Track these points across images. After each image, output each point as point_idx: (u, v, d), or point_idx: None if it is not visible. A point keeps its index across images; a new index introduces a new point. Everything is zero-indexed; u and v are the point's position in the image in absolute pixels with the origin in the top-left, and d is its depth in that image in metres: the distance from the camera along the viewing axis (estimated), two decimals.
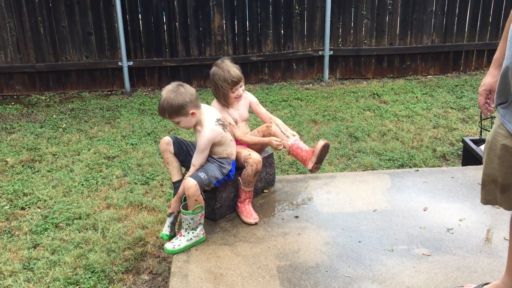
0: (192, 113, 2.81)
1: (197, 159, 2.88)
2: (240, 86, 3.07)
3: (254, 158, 3.04)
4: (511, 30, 1.95)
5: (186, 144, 3.04)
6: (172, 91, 2.79)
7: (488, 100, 2.27)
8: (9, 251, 3.26)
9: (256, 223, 3.05)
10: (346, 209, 3.21)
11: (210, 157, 2.96)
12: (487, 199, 2.18)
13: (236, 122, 3.18)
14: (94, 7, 6.64)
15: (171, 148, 2.96)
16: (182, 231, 2.87)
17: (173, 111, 2.77)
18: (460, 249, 2.75)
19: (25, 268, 3.07)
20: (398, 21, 7.12)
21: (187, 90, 2.81)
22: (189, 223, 2.84)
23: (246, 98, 3.27)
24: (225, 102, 3.11)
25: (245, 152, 3.07)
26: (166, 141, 2.96)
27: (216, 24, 6.90)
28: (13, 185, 4.18)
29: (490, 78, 2.23)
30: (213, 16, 6.87)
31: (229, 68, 3.03)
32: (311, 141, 4.96)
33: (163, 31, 6.87)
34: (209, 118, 2.90)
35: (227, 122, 3.05)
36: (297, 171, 4.39)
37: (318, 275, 2.57)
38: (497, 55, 2.21)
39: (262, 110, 3.33)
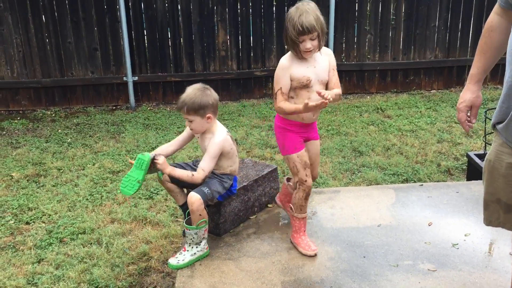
0: (208, 117, 2.81)
1: (207, 164, 2.81)
2: (311, 39, 2.57)
3: (309, 183, 2.81)
4: (509, 49, 1.95)
5: (180, 165, 3.03)
6: (199, 89, 2.81)
7: (469, 117, 2.28)
8: (13, 266, 3.26)
9: (315, 255, 2.83)
10: (350, 224, 3.20)
11: (211, 173, 2.96)
12: (489, 220, 2.14)
13: (308, 83, 2.68)
14: (100, 23, 6.72)
15: (167, 178, 2.96)
16: (186, 245, 2.86)
17: (193, 108, 2.78)
18: (466, 265, 2.73)
19: (29, 283, 3.07)
20: (402, 36, 7.17)
21: (212, 94, 2.84)
22: (193, 237, 2.83)
23: (327, 56, 2.76)
24: (294, 51, 2.63)
25: (302, 173, 2.79)
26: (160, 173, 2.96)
27: (221, 39, 6.96)
28: (18, 200, 4.19)
29: (469, 94, 2.24)
30: (217, 31, 6.93)
31: (304, 13, 2.53)
32: None
33: (167, 47, 6.93)
34: (221, 128, 2.92)
35: (304, 78, 2.66)
36: None
37: None
38: (474, 71, 2.21)
39: (334, 78, 2.78)
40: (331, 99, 2.54)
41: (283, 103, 2.67)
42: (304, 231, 2.91)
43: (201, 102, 2.77)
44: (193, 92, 2.80)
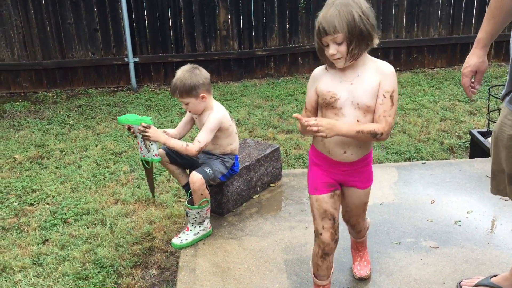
0: (203, 97, 2.79)
1: (203, 136, 2.77)
2: (335, 43, 1.91)
3: (325, 238, 2.15)
4: None
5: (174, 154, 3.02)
6: (187, 71, 2.78)
7: (473, 82, 2.21)
8: (18, 247, 3.28)
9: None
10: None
11: (212, 154, 2.96)
12: (497, 189, 2.18)
13: (333, 102, 2.01)
14: (100, 4, 6.65)
15: (166, 158, 2.96)
16: (189, 225, 2.88)
17: (185, 90, 2.76)
18: (468, 242, 2.74)
19: (35, 264, 3.10)
20: (405, 13, 7.08)
21: (202, 73, 2.80)
22: (196, 217, 2.85)
23: (381, 75, 2.00)
24: (322, 57, 2.03)
25: (318, 224, 2.15)
26: (161, 154, 2.92)
27: (222, 19, 6.89)
28: (21, 182, 4.21)
29: (475, 58, 2.16)
30: (218, 11, 6.86)
31: (329, 6, 1.91)
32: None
33: (168, 27, 6.87)
34: (219, 104, 2.91)
35: (328, 95, 2.02)
36: (303, 165, 4.38)
37: None
38: (481, 35, 2.13)
39: (382, 107, 1.97)
40: (316, 129, 1.88)
41: (300, 115, 2.04)
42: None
43: (192, 83, 2.74)
44: (182, 74, 2.77)
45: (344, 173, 2.15)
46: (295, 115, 1.93)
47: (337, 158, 2.11)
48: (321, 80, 2.07)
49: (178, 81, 2.76)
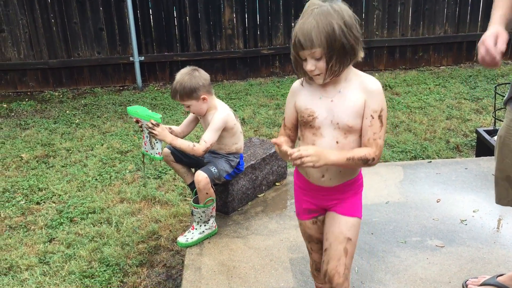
0: (203, 98, 2.80)
1: (209, 136, 2.77)
2: (313, 58, 1.69)
3: (315, 259, 2.16)
4: None
5: (180, 154, 3.03)
6: (186, 73, 2.79)
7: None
8: (25, 245, 3.30)
9: None
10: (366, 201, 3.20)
11: (217, 154, 2.96)
12: (499, 198, 2.13)
13: (311, 120, 1.81)
14: (105, 3, 6.67)
15: (171, 158, 2.96)
16: (194, 224, 2.89)
17: (185, 93, 2.76)
18: (474, 241, 2.73)
19: (41, 262, 3.12)
20: (410, 11, 7.05)
21: (201, 75, 2.80)
22: (201, 216, 2.85)
23: (365, 94, 1.77)
24: (299, 71, 1.81)
25: (307, 245, 2.14)
26: (166, 153, 2.94)
27: (227, 17, 6.89)
28: (28, 181, 4.23)
29: (495, 28, 1.84)
30: (223, 9, 6.86)
31: (307, 16, 1.70)
32: None
33: (173, 26, 6.88)
34: (223, 104, 2.91)
35: (306, 112, 1.83)
36: None
37: None
38: (495, 16, 1.87)
39: (371, 130, 1.76)
40: (300, 161, 1.66)
41: (279, 138, 1.85)
42: None
43: (191, 85, 2.75)
44: (181, 77, 2.77)
45: (324, 198, 1.93)
46: (273, 140, 1.76)
47: (315, 182, 1.91)
48: (300, 96, 1.86)
49: (178, 84, 2.76)
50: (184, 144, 2.75)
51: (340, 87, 1.79)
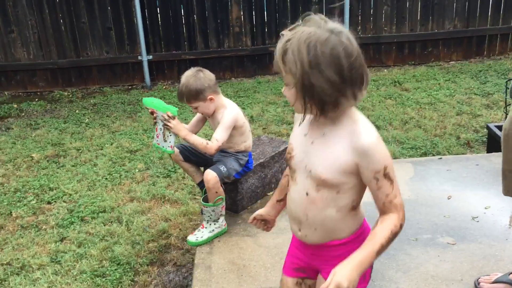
0: (210, 99, 2.80)
1: (220, 134, 2.77)
2: (285, 84, 1.44)
3: None
4: None
5: (188, 150, 3.03)
6: (191, 75, 2.79)
7: None
8: (37, 245, 3.33)
9: None
10: (367, 199, 3.18)
11: (226, 152, 2.96)
12: (507, 190, 2.12)
13: (289, 158, 1.56)
14: (113, 2, 6.69)
15: (180, 157, 2.97)
16: (204, 223, 2.89)
17: (191, 95, 2.77)
18: (486, 238, 2.70)
19: (53, 261, 3.14)
20: (419, 6, 7.00)
21: (206, 76, 2.81)
22: (211, 215, 2.86)
23: (352, 142, 1.39)
24: None
25: None
26: (174, 152, 2.96)
27: (234, 15, 6.88)
28: (39, 180, 4.27)
29: None
30: (231, 7, 6.85)
31: (295, 29, 1.41)
32: None
33: (181, 24, 6.89)
34: (231, 102, 2.91)
35: (289, 147, 1.56)
36: None
37: None
38: None
39: (382, 191, 1.45)
40: None
41: (283, 180, 1.66)
42: None
43: (197, 87, 2.75)
44: (186, 80, 2.78)
45: (312, 257, 1.59)
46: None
47: (297, 235, 1.58)
48: (296, 123, 1.54)
49: (184, 87, 2.77)
50: (198, 141, 2.74)
51: (325, 129, 1.42)
